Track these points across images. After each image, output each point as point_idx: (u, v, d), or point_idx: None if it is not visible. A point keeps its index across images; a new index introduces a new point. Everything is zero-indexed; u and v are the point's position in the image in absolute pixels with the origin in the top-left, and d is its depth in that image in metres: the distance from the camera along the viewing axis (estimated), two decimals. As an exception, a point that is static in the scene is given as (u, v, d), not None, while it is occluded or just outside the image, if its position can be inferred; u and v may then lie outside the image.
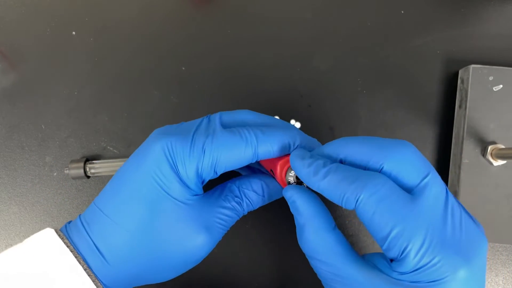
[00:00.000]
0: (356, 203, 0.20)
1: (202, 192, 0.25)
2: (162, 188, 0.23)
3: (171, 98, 0.40)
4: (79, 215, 0.26)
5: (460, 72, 0.39)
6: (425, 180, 0.20)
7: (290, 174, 0.24)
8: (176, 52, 0.41)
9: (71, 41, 0.41)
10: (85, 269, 0.23)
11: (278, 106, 0.40)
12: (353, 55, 0.40)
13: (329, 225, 0.23)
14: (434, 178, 0.21)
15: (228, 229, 0.26)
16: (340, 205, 0.21)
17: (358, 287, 0.21)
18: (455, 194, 0.36)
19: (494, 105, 0.36)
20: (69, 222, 0.26)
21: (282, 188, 0.26)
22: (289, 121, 0.40)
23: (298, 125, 0.40)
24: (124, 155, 0.40)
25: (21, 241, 0.38)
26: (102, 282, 0.23)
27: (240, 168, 0.30)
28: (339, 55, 0.41)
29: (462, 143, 0.36)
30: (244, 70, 0.40)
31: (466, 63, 0.38)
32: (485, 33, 0.40)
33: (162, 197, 0.23)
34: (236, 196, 0.26)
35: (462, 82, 0.38)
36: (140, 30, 0.41)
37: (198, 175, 0.24)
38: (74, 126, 0.40)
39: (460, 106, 0.38)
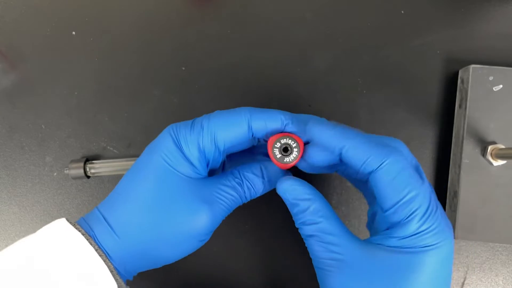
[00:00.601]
0: (380, 165, 0.22)
1: (206, 174, 0.28)
2: (169, 164, 0.26)
3: (171, 98, 0.40)
4: (96, 206, 0.28)
5: (460, 72, 0.39)
6: (419, 167, 0.24)
7: (276, 145, 0.26)
8: (176, 52, 0.41)
9: (71, 41, 0.41)
10: (96, 250, 0.24)
11: (278, 106, 0.40)
12: (353, 55, 0.40)
13: (327, 205, 0.25)
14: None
15: (231, 208, 0.28)
16: (357, 167, 0.23)
17: (356, 259, 0.22)
18: (455, 194, 0.36)
19: (494, 105, 0.36)
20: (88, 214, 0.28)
21: (281, 170, 0.28)
22: (289, 121, 0.40)
23: (298, 125, 0.40)
24: (124, 155, 0.40)
25: (21, 241, 0.39)
26: (112, 258, 0.25)
27: (246, 157, 0.32)
28: (339, 55, 0.41)
29: (462, 143, 0.36)
30: (244, 70, 0.40)
31: (466, 63, 0.38)
32: (485, 33, 0.40)
33: (169, 172, 0.26)
34: (236, 178, 0.28)
35: (462, 82, 0.38)
36: (140, 30, 0.41)
37: (201, 151, 0.26)
38: (74, 126, 0.40)
39: (460, 106, 0.38)
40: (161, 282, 0.38)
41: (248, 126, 0.26)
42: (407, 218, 0.22)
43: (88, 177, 0.38)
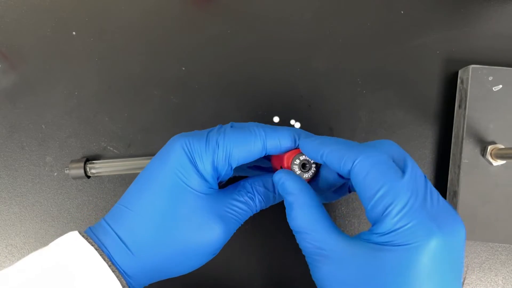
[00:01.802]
0: (353, 164, 0.23)
1: (217, 187, 0.28)
2: (182, 181, 0.26)
3: (171, 98, 0.40)
4: (103, 218, 0.27)
5: (460, 72, 0.39)
6: (407, 163, 0.23)
7: (295, 162, 0.27)
8: (176, 52, 0.41)
9: (72, 41, 0.41)
10: (109, 266, 0.24)
11: (278, 106, 0.40)
12: (353, 55, 0.41)
13: (315, 201, 0.25)
14: (414, 164, 0.23)
15: (242, 223, 0.28)
16: (337, 170, 0.24)
17: (339, 255, 0.22)
18: (455, 194, 0.37)
19: (493, 105, 0.36)
20: (91, 226, 0.27)
21: None
22: (289, 121, 0.40)
23: (298, 125, 0.40)
24: (124, 155, 0.40)
25: (21, 241, 0.39)
26: (126, 273, 0.25)
27: (253, 170, 0.33)
28: (339, 55, 0.41)
29: (461, 143, 0.36)
30: (244, 70, 0.41)
31: (466, 63, 0.38)
32: (485, 33, 0.40)
33: (182, 188, 0.26)
34: (249, 192, 0.28)
35: (462, 82, 0.38)
36: (140, 30, 0.41)
37: (214, 168, 0.26)
38: (75, 126, 0.40)
39: (459, 106, 0.38)
40: (161, 282, 0.38)
41: (263, 145, 0.26)
42: (382, 214, 0.21)
43: (88, 177, 0.38)
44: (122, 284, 0.24)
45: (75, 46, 0.41)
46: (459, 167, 0.36)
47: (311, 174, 0.27)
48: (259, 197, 0.28)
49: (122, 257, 0.25)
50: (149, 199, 0.26)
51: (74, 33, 0.41)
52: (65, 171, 0.38)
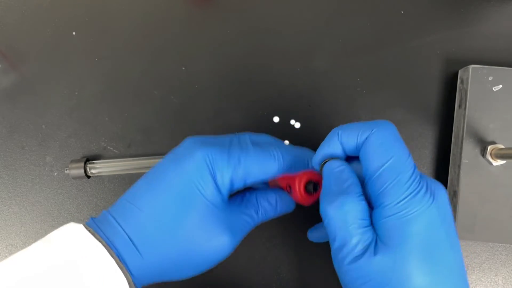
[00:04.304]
0: (370, 133, 0.24)
1: (227, 199, 0.28)
2: (198, 189, 0.26)
3: (171, 98, 0.40)
4: (106, 211, 0.27)
5: (460, 72, 0.39)
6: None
7: (308, 185, 0.27)
8: (176, 52, 0.41)
9: (72, 41, 0.41)
10: (117, 263, 0.24)
11: (278, 106, 0.40)
12: (353, 55, 0.41)
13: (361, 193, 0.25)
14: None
15: (246, 235, 0.29)
16: (352, 144, 0.25)
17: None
18: (455, 194, 0.37)
19: (493, 105, 0.36)
20: (94, 218, 0.27)
21: (293, 202, 0.30)
22: (289, 121, 0.40)
23: (298, 125, 0.40)
24: (124, 155, 0.40)
25: (21, 241, 0.39)
26: (132, 274, 0.25)
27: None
28: (339, 55, 0.41)
29: (461, 143, 0.36)
30: (244, 70, 0.41)
31: (466, 63, 0.38)
32: (485, 33, 0.40)
33: (197, 197, 0.26)
34: (254, 205, 0.29)
35: (462, 82, 0.38)
36: (140, 30, 0.41)
37: (231, 183, 0.27)
38: (75, 126, 0.40)
39: (459, 106, 0.38)
40: (159, 282, 0.38)
41: (279, 168, 0.28)
42: (392, 182, 0.22)
43: (89, 177, 0.38)
44: (129, 283, 0.24)
45: (75, 46, 0.41)
46: (459, 167, 0.36)
47: (318, 195, 0.27)
48: (262, 210, 0.29)
49: (130, 257, 0.25)
50: (162, 202, 0.26)
51: (74, 33, 0.41)
52: (65, 171, 0.38)
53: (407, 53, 0.40)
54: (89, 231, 0.25)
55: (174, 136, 0.38)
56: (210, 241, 0.26)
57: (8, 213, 0.39)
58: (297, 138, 0.39)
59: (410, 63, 0.40)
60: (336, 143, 0.26)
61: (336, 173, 0.25)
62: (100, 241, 0.25)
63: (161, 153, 0.39)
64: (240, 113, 0.40)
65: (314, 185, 0.27)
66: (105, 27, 0.41)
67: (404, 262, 0.22)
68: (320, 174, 0.27)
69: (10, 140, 0.40)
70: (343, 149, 0.26)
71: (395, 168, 0.22)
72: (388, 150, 0.23)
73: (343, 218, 0.23)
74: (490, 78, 0.36)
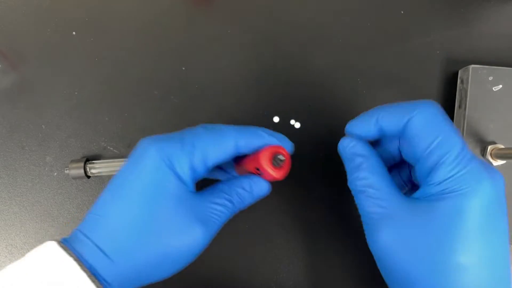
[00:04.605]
0: (410, 117, 0.24)
1: (195, 190, 0.28)
2: (160, 185, 0.25)
3: (171, 98, 0.40)
4: (75, 229, 0.27)
5: (460, 72, 0.39)
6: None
7: (272, 159, 0.27)
8: (176, 52, 0.41)
9: (72, 41, 0.41)
10: (89, 276, 0.24)
11: (278, 106, 0.40)
12: (353, 55, 0.41)
13: (382, 164, 0.26)
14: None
15: (222, 225, 0.28)
16: (393, 127, 0.25)
17: (402, 214, 0.24)
18: (455, 194, 0.36)
19: (493, 105, 0.36)
20: (65, 238, 0.27)
21: (267, 183, 0.29)
22: (289, 121, 0.40)
23: (298, 125, 0.40)
24: (124, 155, 0.40)
25: (21, 241, 0.39)
26: (107, 281, 0.25)
27: (225, 173, 0.33)
28: (339, 55, 0.41)
29: (461, 143, 0.36)
30: (244, 70, 0.41)
31: (466, 63, 0.38)
32: (485, 33, 0.40)
33: (161, 193, 0.25)
34: (226, 193, 0.28)
35: (462, 82, 0.38)
36: (140, 30, 0.41)
37: (192, 170, 0.26)
38: (75, 126, 0.40)
39: (459, 106, 0.38)
40: (161, 283, 0.38)
41: (235, 144, 0.27)
42: (438, 162, 0.23)
43: (89, 177, 0.38)
44: None
45: (75, 46, 0.41)
46: (459, 167, 0.36)
47: (286, 169, 0.28)
48: (237, 198, 0.29)
49: (102, 265, 0.25)
50: (125, 205, 0.25)
51: (74, 33, 0.41)
52: (65, 171, 0.38)
53: (407, 53, 0.40)
54: (61, 247, 0.25)
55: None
56: (181, 234, 0.26)
57: (8, 213, 0.39)
58: (297, 138, 0.39)
59: (410, 63, 0.40)
60: (371, 126, 0.26)
61: (349, 151, 0.27)
62: (71, 256, 0.24)
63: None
64: (240, 113, 0.40)
65: (280, 158, 0.27)
66: (105, 27, 0.41)
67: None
68: (281, 146, 0.28)
69: (10, 140, 0.40)
70: (382, 131, 0.26)
71: (443, 146, 0.23)
72: (434, 130, 0.23)
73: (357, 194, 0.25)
74: (490, 78, 0.36)
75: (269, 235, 0.38)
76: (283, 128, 0.40)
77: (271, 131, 0.29)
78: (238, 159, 0.31)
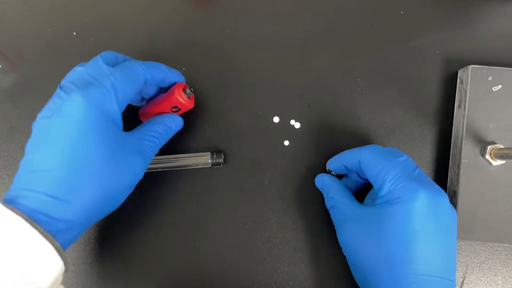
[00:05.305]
0: (362, 153, 0.33)
1: (123, 130, 0.31)
2: (100, 127, 0.28)
3: (171, 98, 0.40)
4: (10, 189, 0.29)
5: (460, 72, 0.39)
6: (403, 155, 0.32)
7: (185, 91, 0.35)
8: (176, 52, 0.41)
9: (72, 41, 0.41)
10: (41, 232, 0.26)
11: (278, 106, 0.40)
12: (353, 55, 0.41)
13: (344, 187, 0.36)
14: (408, 157, 0.32)
15: (153, 157, 0.33)
16: (353, 164, 0.34)
17: (359, 217, 0.32)
18: (454, 194, 0.37)
19: (493, 105, 0.36)
20: (4, 199, 0.29)
21: (181, 118, 0.36)
22: (289, 121, 0.40)
23: (298, 125, 0.40)
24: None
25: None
26: (66, 220, 0.27)
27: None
28: (339, 55, 0.41)
29: (461, 143, 0.36)
30: (244, 70, 0.41)
31: (466, 63, 0.38)
32: (485, 33, 0.40)
33: (101, 133, 0.28)
34: (152, 132, 0.33)
35: (462, 82, 0.38)
36: (140, 30, 0.41)
37: (119, 109, 0.30)
38: (75, 126, 0.40)
39: (459, 106, 0.38)
40: (161, 282, 0.38)
41: (144, 79, 0.32)
42: (383, 182, 0.31)
43: (89, 177, 0.38)
44: (56, 248, 0.26)
45: (75, 46, 0.41)
46: (458, 167, 0.36)
47: (192, 99, 0.36)
48: (162, 133, 0.34)
49: (57, 208, 0.27)
50: (65, 151, 0.27)
51: (74, 33, 0.41)
52: (65, 171, 0.38)
53: (407, 53, 0.40)
54: (10, 209, 0.26)
55: (174, 136, 0.38)
56: (126, 166, 0.30)
57: (9, 213, 0.39)
58: (297, 138, 0.40)
59: (410, 63, 0.40)
60: (340, 165, 0.36)
61: (322, 182, 0.38)
62: (13, 211, 0.26)
63: (160, 153, 0.39)
64: (240, 113, 0.40)
65: (189, 91, 0.35)
66: (105, 27, 0.41)
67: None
68: (183, 83, 0.36)
69: (11, 140, 0.40)
70: (347, 167, 0.35)
71: (380, 175, 0.31)
72: (376, 162, 0.32)
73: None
74: (490, 78, 0.36)
75: (269, 235, 0.38)
76: (283, 128, 0.40)
77: (166, 66, 0.35)
78: (144, 108, 0.37)
